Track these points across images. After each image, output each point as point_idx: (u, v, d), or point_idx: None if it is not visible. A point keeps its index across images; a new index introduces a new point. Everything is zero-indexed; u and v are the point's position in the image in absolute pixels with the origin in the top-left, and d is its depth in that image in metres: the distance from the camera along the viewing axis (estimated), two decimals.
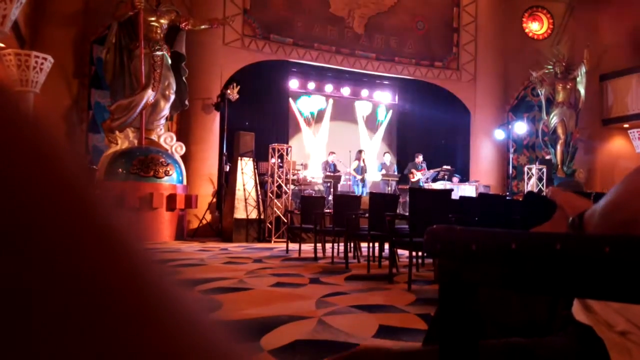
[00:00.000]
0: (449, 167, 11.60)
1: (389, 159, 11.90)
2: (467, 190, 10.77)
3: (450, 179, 11.52)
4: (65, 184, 0.16)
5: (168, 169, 8.34)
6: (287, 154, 9.24)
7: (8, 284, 0.13)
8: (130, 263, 0.16)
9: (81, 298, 0.14)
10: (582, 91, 11.90)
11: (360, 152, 11.79)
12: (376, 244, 5.84)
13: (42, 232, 0.14)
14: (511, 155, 12.86)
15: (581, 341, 0.73)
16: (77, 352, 0.13)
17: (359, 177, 11.50)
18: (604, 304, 0.71)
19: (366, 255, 5.70)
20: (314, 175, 11.63)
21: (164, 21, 8.94)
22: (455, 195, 5.66)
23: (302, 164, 11.25)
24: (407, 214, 4.82)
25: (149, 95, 8.63)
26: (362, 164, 11.48)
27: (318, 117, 13.74)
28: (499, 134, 12.71)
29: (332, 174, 10.88)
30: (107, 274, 0.15)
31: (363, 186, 11.41)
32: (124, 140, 8.65)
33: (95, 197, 0.16)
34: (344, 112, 14.09)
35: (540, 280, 0.51)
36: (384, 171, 11.57)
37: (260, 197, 9.05)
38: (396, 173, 11.72)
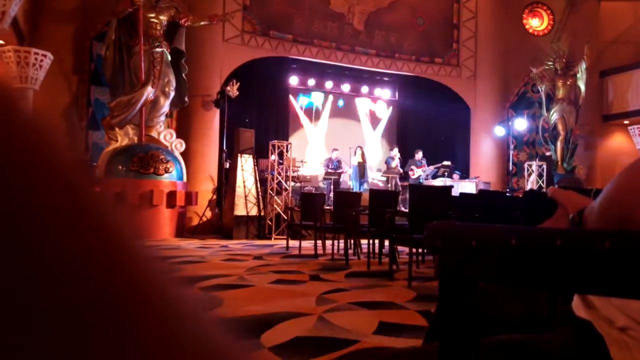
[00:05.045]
0: (449, 164, 11.59)
1: (395, 152, 11.78)
2: (467, 186, 10.77)
3: (450, 176, 11.52)
4: (65, 181, 0.16)
5: (168, 166, 8.33)
6: (287, 151, 9.24)
7: (6, 283, 0.13)
8: (130, 260, 0.16)
9: (81, 296, 0.14)
10: (583, 87, 11.87)
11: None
12: (376, 241, 5.85)
13: (41, 230, 0.14)
14: (511, 152, 12.84)
15: (581, 337, 0.73)
16: (77, 351, 0.13)
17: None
18: (604, 299, 0.71)
19: (366, 252, 5.70)
20: (314, 172, 11.62)
21: (163, 18, 8.92)
22: (455, 192, 5.67)
23: (302, 161, 11.24)
24: (407, 210, 4.82)
25: (149, 92, 8.62)
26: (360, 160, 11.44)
27: (317, 114, 13.74)
28: (499, 131, 12.70)
29: (333, 171, 10.87)
30: (107, 272, 0.15)
31: (362, 183, 11.37)
32: (124, 137, 8.64)
33: (95, 194, 0.16)
34: (344, 108, 14.10)
35: (541, 275, 0.51)
36: (393, 163, 11.52)
37: (260, 194, 9.05)
38: (400, 168, 11.61)
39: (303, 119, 13.56)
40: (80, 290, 0.14)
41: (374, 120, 14.44)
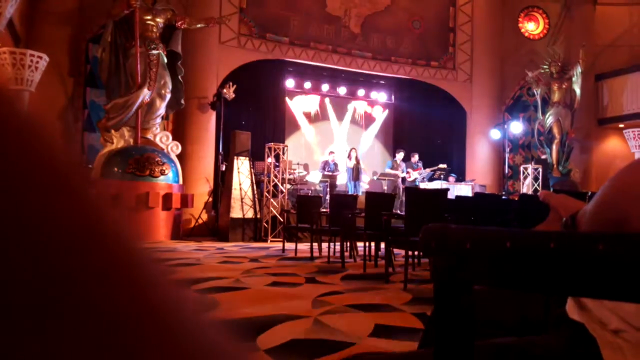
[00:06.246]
0: (445, 167, 11.60)
1: (401, 156, 11.70)
2: (463, 189, 10.79)
3: (446, 179, 11.53)
4: (61, 183, 0.16)
5: (164, 168, 8.32)
6: (283, 154, 9.24)
7: (4, 284, 0.13)
8: (126, 262, 0.16)
9: (77, 298, 0.14)
10: (578, 91, 11.93)
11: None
12: (372, 244, 5.85)
13: (37, 232, 0.14)
14: (507, 155, 12.89)
15: (574, 339, 0.73)
16: (74, 352, 0.13)
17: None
18: (598, 302, 0.71)
19: (362, 255, 5.70)
20: (314, 176, 11.63)
21: (159, 20, 8.91)
22: (451, 195, 5.68)
23: (298, 163, 11.24)
24: (403, 213, 4.83)
25: (145, 94, 8.61)
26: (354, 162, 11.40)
27: (313, 117, 13.76)
28: (495, 134, 12.74)
29: (330, 174, 10.88)
30: (103, 274, 0.15)
31: (356, 185, 11.35)
32: (120, 140, 8.62)
33: (91, 196, 0.16)
34: (340, 111, 14.11)
35: (535, 278, 0.52)
36: (393, 170, 11.48)
37: (256, 196, 9.04)
38: (404, 171, 11.55)
39: (299, 121, 13.56)
40: (77, 292, 0.14)
41: (370, 123, 14.46)
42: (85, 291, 0.14)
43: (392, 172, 11.44)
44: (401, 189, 10.99)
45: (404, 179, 11.47)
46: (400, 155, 11.68)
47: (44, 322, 0.13)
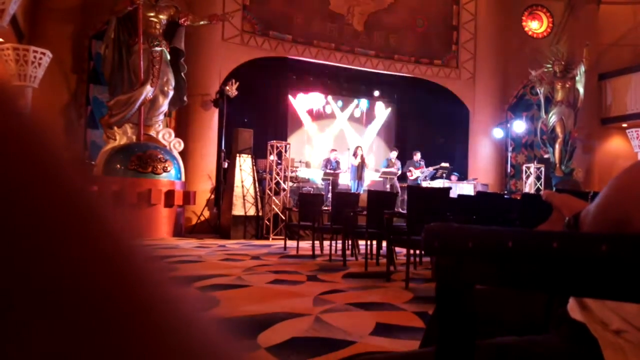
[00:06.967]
0: (447, 165, 11.59)
1: (395, 155, 11.77)
2: (465, 188, 10.77)
3: (448, 177, 11.52)
4: (62, 179, 0.16)
5: (166, 165, 8.33)
6: (285, 151, 9.24)
7: (2, 283, 0.13)
8: (127, 260, 0.16)
9: (78, 296, 0.14)
10: (581, 90, 11.89)
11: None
12: (374, 242, 5.85)
13: (37, 229, 0.14)
14: (509, 154, 12.86)
15: (575, 340, 0.73)
16: (73, 352, 0.13)
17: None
18: (600, 302, 0.71)
19: (364, 253, 5.70)
20: (315, 174, 11.64)
21: (163, 17, 8.92)
22: (453, 194, 5.67)
23: (300, 161, 11.24)
24: (405, 212, 4.83)
25: (148, 91, 8.61)
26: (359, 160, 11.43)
27: (316, 115, 13.76)
28: (498, 133, 12.71)
29: (332, 172, 10.88)
30: (104, 272, 0.15)
31: (360, 184, 11.37)
32: (122, 136, 8.63)
33: (92, 193, 0.16)
34: (343, 109, 14.11)
35: (537, 278, 0.52)
36: (388, 168, 11.51)
37: (258, 194, 9.05)
38: (399, 170, 11.59)
39: (302, 119, 13.57)
40: (77, 290, 0.14)
41: (373, 121, 14.45)
42: (83, 289, 0.14)
43: (389, 170, 11.46)
44: (398, 187, 11.02)
45: (400, 177, 11.49)
46: (394, 154, 11.71)
47: (41, 321, 0.13)
